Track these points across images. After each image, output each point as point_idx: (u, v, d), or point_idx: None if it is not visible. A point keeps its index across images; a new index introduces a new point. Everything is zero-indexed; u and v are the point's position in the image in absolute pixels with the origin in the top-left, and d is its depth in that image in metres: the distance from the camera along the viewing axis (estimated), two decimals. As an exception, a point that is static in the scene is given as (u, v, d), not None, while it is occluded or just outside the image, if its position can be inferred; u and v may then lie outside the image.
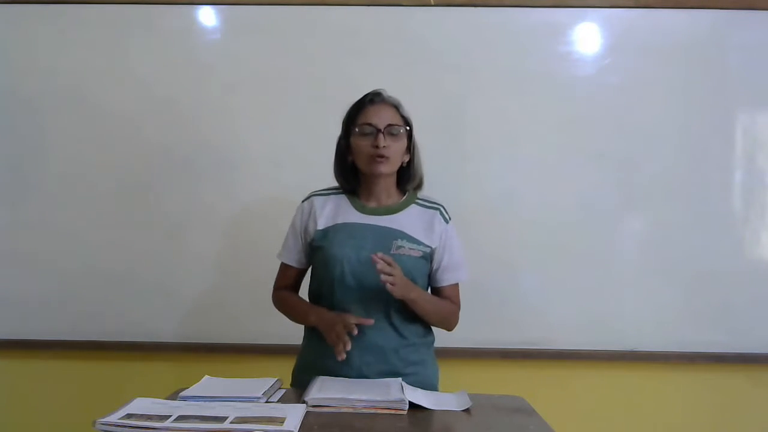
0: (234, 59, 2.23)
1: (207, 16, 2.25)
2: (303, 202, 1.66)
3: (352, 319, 1.44)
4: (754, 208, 2.22)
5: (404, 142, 1.56)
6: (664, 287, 2.20)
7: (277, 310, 1.67)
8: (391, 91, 1.61)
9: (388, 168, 1.54)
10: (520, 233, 2.19)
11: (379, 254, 1.43)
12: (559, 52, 2.21)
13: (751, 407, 2.24)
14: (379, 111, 1.54)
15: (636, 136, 2.20)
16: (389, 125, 1.52)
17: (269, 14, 2.21)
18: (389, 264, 1.41)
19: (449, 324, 1.63)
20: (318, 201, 1.62)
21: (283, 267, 1.68)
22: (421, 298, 1.52)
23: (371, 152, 1.52)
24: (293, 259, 1.65)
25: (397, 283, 1.42)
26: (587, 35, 2.23)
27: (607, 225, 2.21)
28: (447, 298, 1.62)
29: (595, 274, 2.20)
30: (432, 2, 2.20)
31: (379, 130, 1.51)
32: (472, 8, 2.20)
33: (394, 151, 1.53)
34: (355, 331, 1.42)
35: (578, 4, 2.21)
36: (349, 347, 1.41)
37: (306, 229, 1.61)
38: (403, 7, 2.20)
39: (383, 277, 1.40)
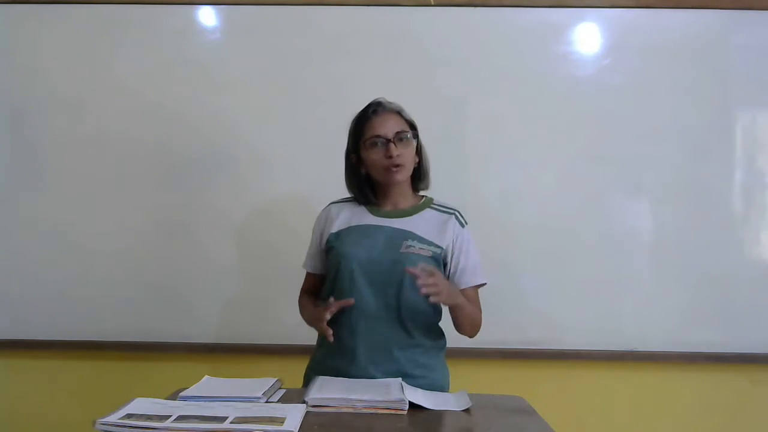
0: (233, 59, 2.23)
1: (207, 16, 2.25)
2: (322, 211, 1.69)
3: (330, 308, 1.47)
4: (754, 208, 2.22)
5: (413, 146, 1.58)
6: (665, 287, 2.20)
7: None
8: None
9: (404, 175, 1.57)
10: (520, 234, 2.19)
11: (420, 265, 1.43)
12: (559, 52, 2.21)
13: (751, 407, 2.24)
14: (384, 121, 1.55)
15: (636, 136, 2.20)
16: (397, 133, 1.54)
17: (268, 14, 2.21)
18: (431, 274, 1.42)
19: (476, 331, 1.63)
20: (335, 208, 1.66)
21: (307, 275, 1.72)
22: (466, 304, 1.54)
23: (385, 163, 1.54)
24: (314, 267, 1.68)
25: (442, 291, 1.43)
26: (587, 35, 2.23)
27: (607, 225, 2.21)
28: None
29: (595, 274, 2.20)
30: (432, 2, 2.20)
31: (389, 140, 1.53)
32: (472, 8, 2.20)
33: (406, 157, 1.56)
34: (330, 313, 1.45)
35: (578, 4, 2.21)
36: (328, 320, 1.45)
37: (322, 235, 1.64)
38: (403, 7, 2.20)
39: (424, 289, 1.40)
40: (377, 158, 1.54)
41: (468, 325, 1.59)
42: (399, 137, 1.54)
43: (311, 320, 1.58)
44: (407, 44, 2.20)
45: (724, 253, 2.19)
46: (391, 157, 1.52)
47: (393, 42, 2.21)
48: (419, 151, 1.61)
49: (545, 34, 2.21)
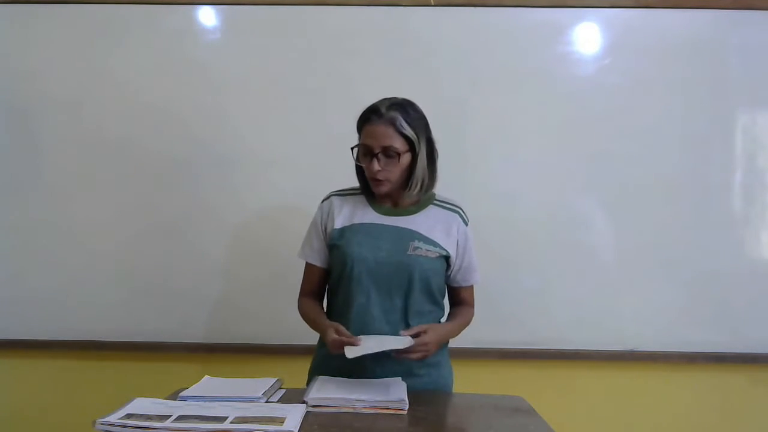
0: (233, 59, 2.22)
1: (206, 16, 2.25)
2: (323, 201, 1.66)
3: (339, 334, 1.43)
4: (754, 208, 2.22)
5: (405, 159, 1.51)
6: (665, 287, 2.20)
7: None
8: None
9: (388, 188, 1.54)
10: (519, 233, 2.19)
11: (404, 333, 1.44)
12: (559, 52, 2.21)
13: (751, 407, 2.24)
14: (374, 132, 1.49)
15: (636, 136, 2.20)
16: (384, 148, 1.49)
17: (268, 14, 2.21)
18: (420, 338, 1.43)
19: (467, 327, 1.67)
20: (336, 201, 1.63)
21: (308, 267, 1.67)
22: (450, 335, 1.60)
23: (370, 174, 1.52)
24: (316, 258, 1.64)
25: (430, 350, 1.44)
26: (587, 35, 2.23)
27: (607, 225, 2.21)
28: (464, 299, 1.66)
29: (595, 274, 2.20)
30: (432, 2, 2.20)
31: (374, 155, 1.50)
32: (472, 8, 2.20)
33: (390, 173, 1.51)
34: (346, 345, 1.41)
35: (578, 4, 2.20)
36: (356, 341, 1.41)
37: (325, 228, 1.62)
38: (403, 7, 2.20)
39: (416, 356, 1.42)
40: (365, 167, 1.54)
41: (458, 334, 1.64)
42: (385, 153, 1.49)
43: (320, 334, 1.58)
44: (407, 44, 2.20)
45: (724, 252, 2.19)
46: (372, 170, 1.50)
47: (393, 42, 2.20)
48: (414, 163, 1.52)
49: (545, 34, 2.21)
